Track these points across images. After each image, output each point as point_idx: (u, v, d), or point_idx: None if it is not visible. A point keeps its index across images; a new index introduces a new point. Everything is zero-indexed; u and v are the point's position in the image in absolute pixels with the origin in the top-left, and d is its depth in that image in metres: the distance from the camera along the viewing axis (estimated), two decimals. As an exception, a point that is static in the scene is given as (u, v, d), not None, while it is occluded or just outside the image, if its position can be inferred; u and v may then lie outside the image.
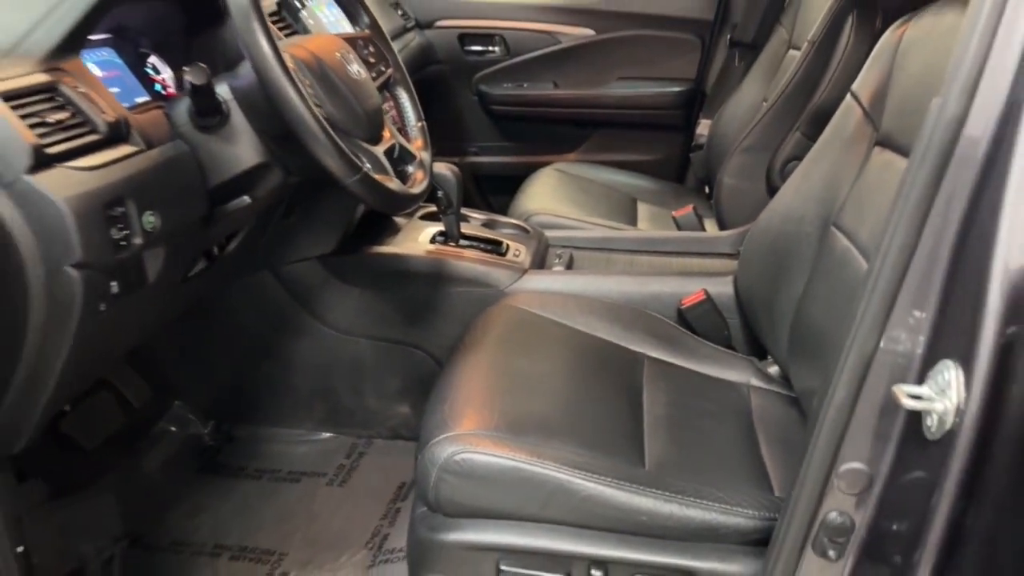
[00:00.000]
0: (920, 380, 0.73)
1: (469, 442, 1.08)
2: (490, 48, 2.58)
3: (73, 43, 1.04)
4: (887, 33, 1.26)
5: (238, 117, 1.14)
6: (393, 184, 1.15)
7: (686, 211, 1.96)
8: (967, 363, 0.67)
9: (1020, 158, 0.65)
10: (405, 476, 1.65)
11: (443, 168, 1.58)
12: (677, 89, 2.52)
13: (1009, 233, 0.66)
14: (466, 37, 2.58)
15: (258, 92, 1.08)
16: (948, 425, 0.68)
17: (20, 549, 0.96)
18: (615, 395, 1.29)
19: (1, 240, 0.87)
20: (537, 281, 1.62)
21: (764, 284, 1.44)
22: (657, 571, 1.04)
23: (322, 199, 1.57)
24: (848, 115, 1.33)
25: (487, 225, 1.82)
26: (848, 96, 1.34)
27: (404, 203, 1.19)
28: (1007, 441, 0.67)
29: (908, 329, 0.75)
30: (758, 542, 1.03)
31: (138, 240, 0.99)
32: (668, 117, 2.55)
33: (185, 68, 1.06)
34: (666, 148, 2.58)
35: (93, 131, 0.98)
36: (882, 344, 0.76)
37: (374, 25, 1.42)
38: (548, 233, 1.87)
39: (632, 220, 2.09)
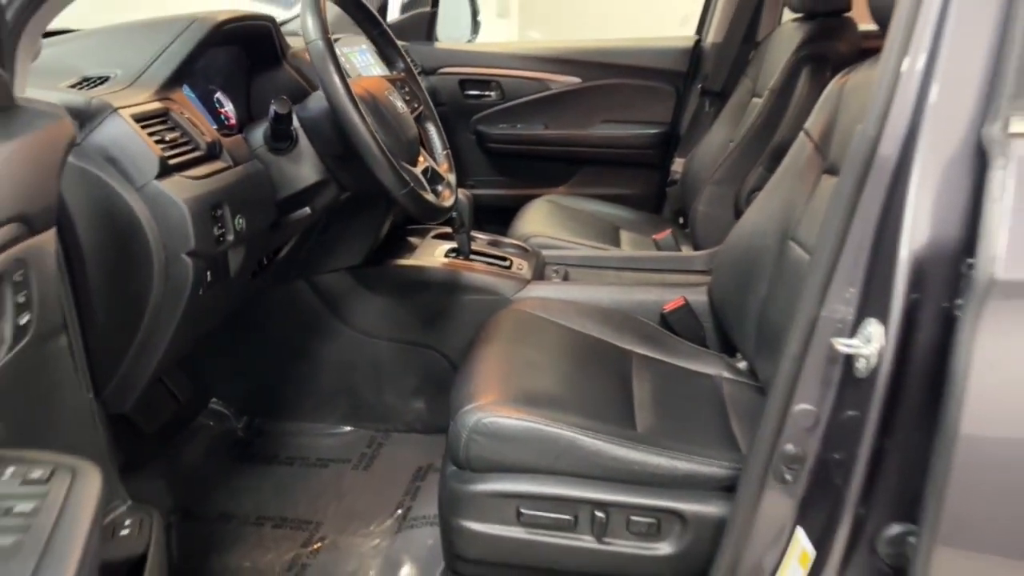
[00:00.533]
0: (852, 335, 0.97)
1: (494, 409, 1.30)
2: (487, 93, 2.84)
3: (179, 78, 1.27)
4: (833, 81, 1.53)
5: (304, 142, 1.38)
6: (430, 197, 1.39)
7: (665, 234, 2.21)
8: (885, 319, 0.92)
9: (918, 169, 0.90)
10: (422, 462, 1.85)
11: (459, 193, 1.82)
12: (654, 131, 2.78)
13: (912, 226, 0.91)
14: (466, 83, 2.84)
15: (324, 120, 1.32)
16: (872, 364, 0.92)
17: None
18: (608, 381, 1.52)
19: (135, 231, 1.09)
20: (538, 291, 1.86)
21: (733, 291, 1.68)
22: (648, 512, 1.26)
23: (354, 218, 1.80)
24: (801, 150, 1.59)
25: (492, 244, 2.06)
26: (801, 134, 1.60)
27: (438, 214, 1.43)
28: (912, 374, 0.91)
29: (842, 300, 0.99)
30: (730, 488, 1.25)
31: (231, 237, 1.21)
32: (646, 156, 2.81)
33: (273, 100, 1.29)
34: (645, 183, 2.85)
35: (196, 149, 1.21)
36: (823, 312, 1.00)
37: (408, 69, 1.67)
38: (544, 252, 2.11)
39: (616, 244, 2.34)
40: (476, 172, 2.89)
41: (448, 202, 1.49)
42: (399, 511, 1.68)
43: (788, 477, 1.06)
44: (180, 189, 1.12)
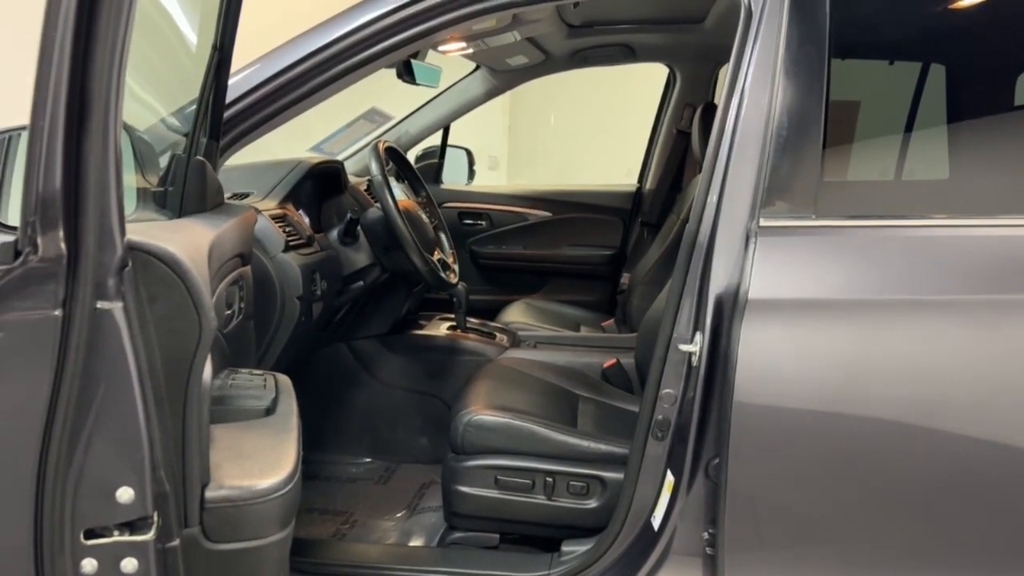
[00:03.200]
0: (690, 342, 1.63)
1: (482, 411, 1.92)
2: (479, 222, 3.56)
3: (289, 196, 1.98)
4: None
5: (362, 239, 2.07)
6: (442, 274, 2.07)
7: (610, 322, 2.90)
8: (704, 332, 1.58)
9: (718, 245, 1.58)
10: (426, 480, 2.42)
11: (458, 285, 2.50)
12: (607, 252, 3.43)
13: (714, 277, 1.58)
14: (463, 215, 3.56)
15: (378, 224, 2.02)
16: (699, 356, 1.57)
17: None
18: (561, 407, 2.15)
19: (270, 283, 1.76)
20: (515, 354, 2.50)
21: (648, 352, 2.33)
22: (582, 478, 1.86)
23: (383, 298, 2.48)
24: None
25: (482, 325, 2.73)
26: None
27: (446, 286, 2.11)
28: (716, 363, 1.56)
29: (685, 324, 1.65)
30: (635, 463, 1.86)
31: (319, 292, 1.88)
32: (601, 271, 3.45)
33: (350, 212, 1.99)
34: (599, 292, 3.53)
35: (301, 238, 1.90)
36: (675, 332, 1.66)
37: (429, 197, 2.40)
38: (520, 332, 2.77)
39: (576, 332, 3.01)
40: (470, 281, 3.56)
41: (453, 280, 2.18)
42: (411, 505, 2.26)
43: (659, 434, 1.68)
44: (294, 259, 1.80)
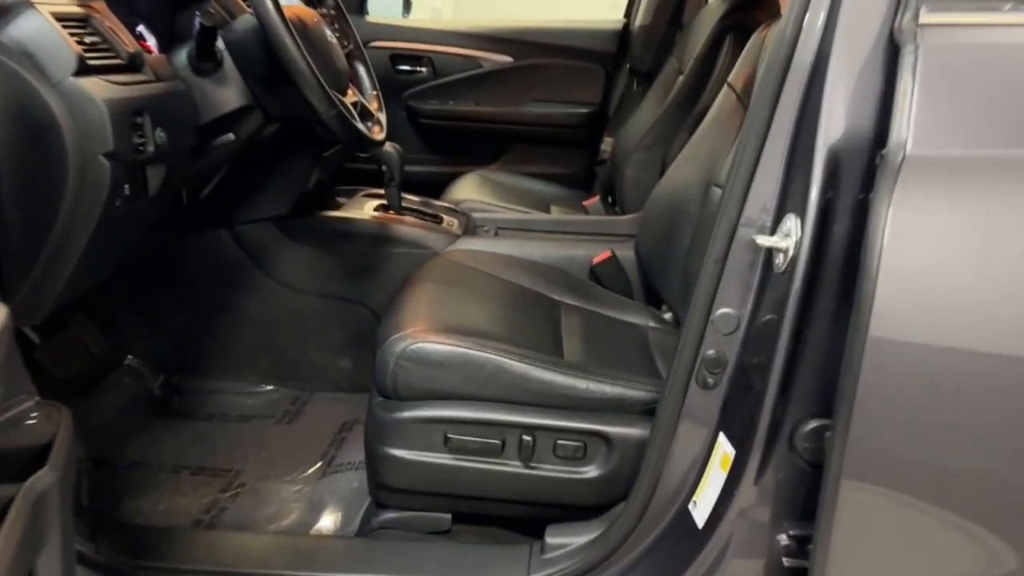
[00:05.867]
0: (772, 233, 1.01)
1: (422, 336, 1.30)
2: (418, 68, 2.85)
3: (100, -9, 1.24)
4: (755, 35, 1.59)
5: (229, 65, 1.36)
6: (360, 126, 1.38)
7: (594, 200, 2.26)
8: (802, 213, 0.96)
9: (834, 65, 0.94)
10: (348, 417, 1.82)
11: (388, 146, 1.81)
12: (584, 110, 2.84)
13: (828, 121, 0.95)
14: (397, 58, 2.84)
15: (251, 40, 1.30)
16: (791, 255, 0.96)
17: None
18: (537, 320, 1.53)
19: (50, 127, 1.05)
20: (469, 244, 1.86)
21: (658, 244, 1.72)
22: (575, 435, 1.27)
23: (279, 164, 1.78)
24: (725, 102, 1.65)
25: (423, 204, 2.06)
26: (725, 87, 1.66)
27: (368, 144, 1.42)
28: (828, 266, 0.95)
29: (761, 204, 1.03)
30: (653, 411, 1.27)
31: (151, 149, 1.19)
32: (576, 135, 2.87)
33: (197, 12, 1.27)
34: (574, 162, 2.90)
35: (117, 57, 1.18)
36: (744, 214, 1.04)
37: (338, 7, 1.67)
38: (475, 215, 2.12)
39: (546, 213, 2.37)
40: (407, 148, 2.86)
41: (378, 137, 1.49)
42: (322, 460, 1.66)
43: (710, 381, 1.08)
44: (99, 89, 1.09)
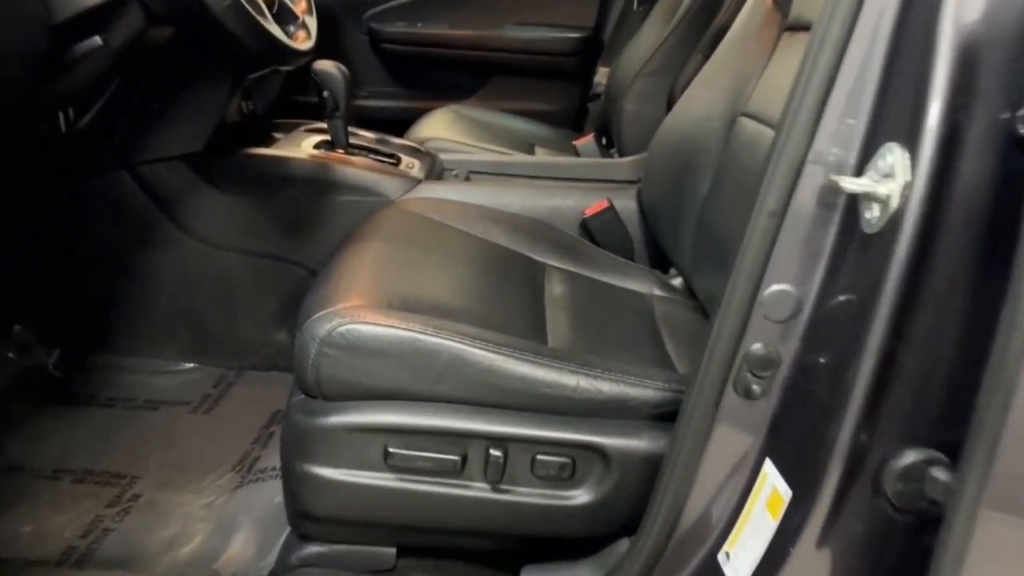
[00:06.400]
0: (860, 174, 0.68)
1: (355, 314, 0.97)
2: (378, -17, 2.48)
3: None
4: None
5: (89, -60, 0.99)
6: (273, 28, 1.03)
7: (587, 139, 1.91)
8: (912, 142, 0.62)
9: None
10: (281, 404, 1.49)
11: (329, 66, 1.45)
12: (574, 36, 2.49)
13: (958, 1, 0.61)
14: (356, -32, 2.47)
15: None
16: (893, 207, 0.62)
17: None
18: (513, 291, 1.21)
19: None
20: (432, 191, 1.52)
21: (668, 191, 1.39)
22: (560, 448, 0.96)
23: (189, 88, 1.42)
24: (756, 9, 1.31)
25: (378, 142, 1.71)
26: (754, -8, 1.31)
27: (285, 52, 1.07)
28: (953, 220, 0.62)
29: (840, 132, 0.70)
30: (665, 416, 0.96)
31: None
32: (565, 64, 2.51)
33: None
34: (564, 97, 2.54)
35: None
36: (815, 144, 0.71)
37: None
38: (443, 157, 1.77)
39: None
40: (368, 81, 2.53)
41: (303, 45, 1.14)
42: (244, 462, 1.34)
43: (756, 388, 0.76)
44: None
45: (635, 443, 0.95)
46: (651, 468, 0.92)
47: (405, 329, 0.95)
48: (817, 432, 0.71)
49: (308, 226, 1.52)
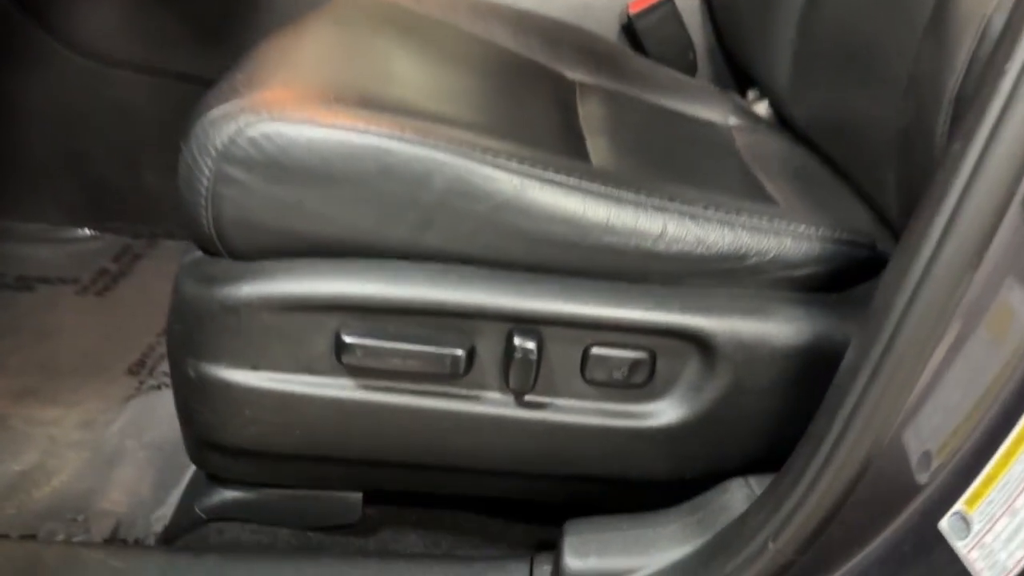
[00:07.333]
0: None
1: (278, 108, 0.57)
2: None
3: None
4: None
5: None
6: None
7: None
8: None
9: None
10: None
11: None
12: None
13: None
14: None
15: None
16: None
17: None
18: (538, 103, 0.81)
19: None
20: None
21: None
22: (632, 337, 0.58)
23: None
24: None
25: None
26: None
27: None
28: None
29: None
30: (814, 283, 0.59)
31: None
32: None
33: None
34: None
35: None
36: None
37: None
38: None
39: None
40: None
41: None
42: (144, 362, 0.98)
43: None
44: None
45: (761, 327, 0.58)
46: (787, 369, 0.56)
47: (358, 131, 0.56)
48: None
49: (234, 32, 1.12)
